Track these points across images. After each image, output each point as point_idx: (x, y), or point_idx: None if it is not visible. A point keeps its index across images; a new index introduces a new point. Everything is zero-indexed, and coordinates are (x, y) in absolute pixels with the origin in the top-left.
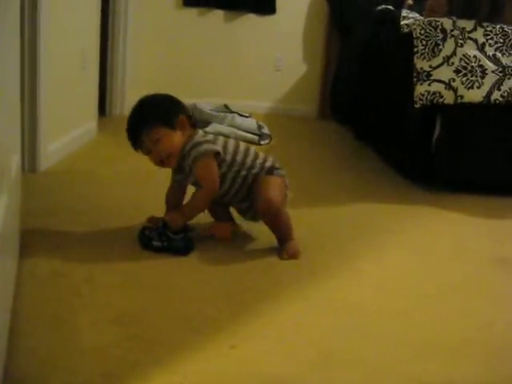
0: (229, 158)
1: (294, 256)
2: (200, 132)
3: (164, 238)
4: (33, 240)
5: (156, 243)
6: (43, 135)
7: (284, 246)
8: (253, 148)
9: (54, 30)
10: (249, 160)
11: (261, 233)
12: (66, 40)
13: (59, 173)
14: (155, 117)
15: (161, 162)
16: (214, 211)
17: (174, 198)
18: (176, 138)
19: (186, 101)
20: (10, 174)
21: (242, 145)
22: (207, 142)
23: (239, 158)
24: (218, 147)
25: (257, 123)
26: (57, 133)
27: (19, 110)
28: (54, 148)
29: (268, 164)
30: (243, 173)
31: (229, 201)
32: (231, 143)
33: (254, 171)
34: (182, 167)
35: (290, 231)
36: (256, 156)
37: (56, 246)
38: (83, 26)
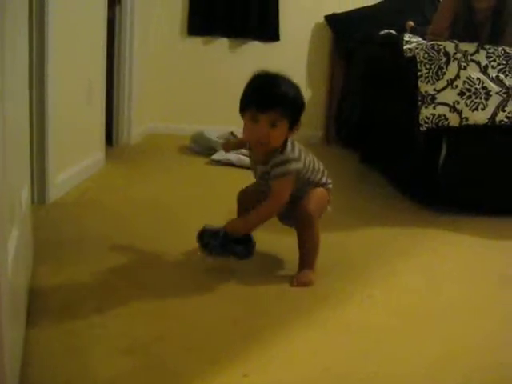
0: (303, 175)
1: (304, 284)
2: (290, 141)
3: (224, 247)
4: (43, 271)
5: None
6: (52, 167)
7: (301, 271)
8: (322, 166)
9: (61, 62)
10: (315, 177)
11: (276, 257)
12: (73, 72)
13: (68, 204)
14: (292, 110)
15: (257, 139)
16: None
17: (246, 201)
18: (283, 137)
19: (193, 128)
20: (20, 207)
21: (316, 162)
22: (295, 160)
23: (309, 174)
24: (301, 164)
25: None
26: (65, 164)
27: (28, 143)
28: (62, 179)
29: (324, 179)
30: (306, 187)
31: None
32: (309, 160)
33: (312, 185)
34: (264, 162)
35: (314, 258)
36: (322, 174)
37: (66, 278)
38: (89, 58)
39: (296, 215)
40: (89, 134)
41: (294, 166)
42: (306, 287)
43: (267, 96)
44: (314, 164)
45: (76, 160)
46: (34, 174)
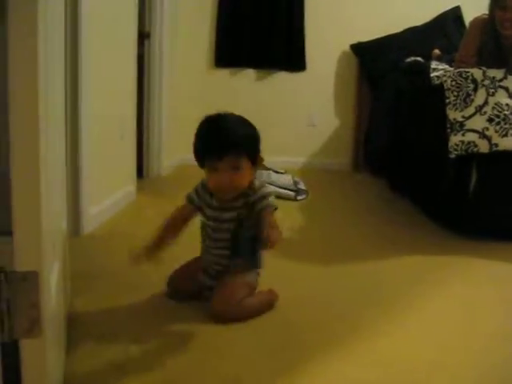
0: None
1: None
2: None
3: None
4: (80, 303)
5: None
6: (85, 200)
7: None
8: None
9: (94, 99)
10: None
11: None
12: (105, 108)
13: (101, 236)
14: (249, 147)
15: (222, 187)
16: None
17: (173, 227)
18: (250, 175)
19: None
20: (60, 241)
21: None
22: (271, 195)
23: None
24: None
25: (293, 179)
26: (98, 197)
27: (65, 178)
28: (95, 212)
29: None
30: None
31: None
32: None
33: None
34: (236, 206)
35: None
36: None
37: (104, 310)
38: (121, 93)
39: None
40: (121, 168)
41: (272, 199)
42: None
43: (218, 143)
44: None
45: (108, 193)
46: (69, 207)
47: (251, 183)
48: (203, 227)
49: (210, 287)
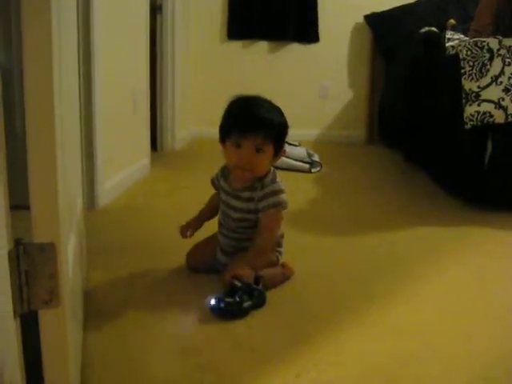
0: None
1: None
2: (273, 170)
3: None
4: (96, 276)
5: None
6: (100, 174)
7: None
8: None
9: (107, 73)
10: None
11: (314, 260)
12: (118, 82)
13: (116, 210)
14: (276, 134)
15: (241, 164)
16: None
17: (210, 207)
18: (269, 163)
19: None
20: (76, 215)
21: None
22: (283, 191)
23: None
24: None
25: (307, 151)
26: (112, 171)
27: (80, 153)
28: (110, 186)
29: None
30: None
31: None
32: None
33: None
34: (243, 197)
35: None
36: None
37: (119, 282)
38: (133, 67)
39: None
40: (134, 141)
41: (284, 197)
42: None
43: (249, 119)
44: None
45: (123, 167)
46: (84, 182)
47: (264, 176)
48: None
49: (224, 264)
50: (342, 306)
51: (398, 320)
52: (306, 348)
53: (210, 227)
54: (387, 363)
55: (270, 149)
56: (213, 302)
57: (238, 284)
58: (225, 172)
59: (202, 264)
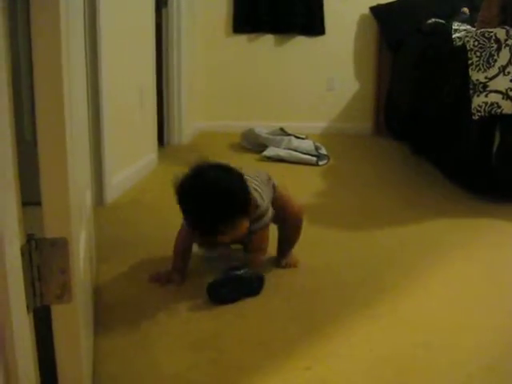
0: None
1: (294, 265)
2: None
3: (238, 290)
4: (106, 271)
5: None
6: (108, 169)
7: (286, 254)
8: (266, 176)
9: (113, 68)
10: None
11: (318, 254)
12: (125, 77)
13: (124, 205)
14: (235, 210)
15: (224, 245)
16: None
17: (183, 246)
18: (247, 224)
19: (242, 125)
20: (86, 209)
21: (266, 183)
22: (267, 209)
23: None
24: (270, 209)
25: (314, 144)
26: (120, 166)
27: (88, 148)
28: (118, 181)
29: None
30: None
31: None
32: (267, 194)
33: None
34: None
35: (295, 244)
36: (272, 188)
37: (129, 277)
38: (140, 62)
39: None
40: (142, 136)
41: (268, 216)
42: (295, 267)
43: (208, 228)
44: (267, 191)
45: (130, 162)
46: (92, 177)
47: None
48: None
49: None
50: (352, 298)
51: (408, 312)
52: (316, 340)
53: None
54: (397, 355)
55: (242, 219)
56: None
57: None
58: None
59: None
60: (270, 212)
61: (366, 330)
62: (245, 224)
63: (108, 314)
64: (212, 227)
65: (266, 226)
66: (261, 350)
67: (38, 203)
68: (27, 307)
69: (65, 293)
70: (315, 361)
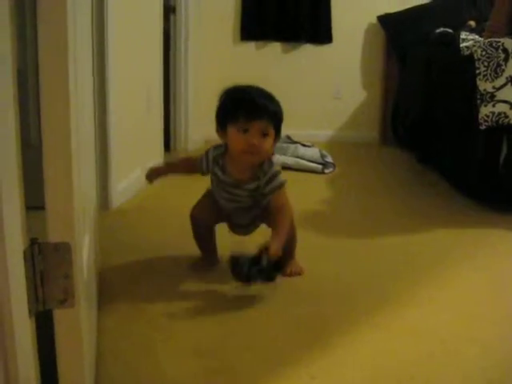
0: None
1: (299, 273)
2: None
3: (266, 274)
4: (110, 277)
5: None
6: (114, 174)
7: (288, 263)
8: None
9: (121, 73)
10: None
11: (319, 264)
12: (132, 82)
13: (130, 210)
14: (277, 120)
15: (250, 148)
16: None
17: (206, 219)
18: (272, 148)
19: None
20: (91, 214)
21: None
22: (280, 171)
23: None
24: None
25: (320, 152)
26: (126, 171)
27: (94, 153)
28: (123, 186)
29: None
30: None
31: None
32: None
33: None
34: (248, 188)
35: (295, 248)
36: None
37: (133, 282)
38: (147, 67)
39: (263, 216)
40: (148, 141)
41: (281, 177)
42: (300, 275)
43: (256, 105)
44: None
45: (136, 167)
46: (98, 182)
47: (263, 163)
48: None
49: (241, 226)
50: (357, 307)
51: (413, 322)
52: (321, 349)
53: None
54: (401, 364)
55: (272, 133)
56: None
57: (243, 256)
58: (219, 162)
59: (209, 217)
60: (282, 178)
61: (371, 338)
62: (271, 145)
63: (111, 318)
64: (261, 104)
65: (282, 185)
66: (264, 358)
67: (42, 207)
68: (29, 311)
69: (68, 298)
70: (320, 370)
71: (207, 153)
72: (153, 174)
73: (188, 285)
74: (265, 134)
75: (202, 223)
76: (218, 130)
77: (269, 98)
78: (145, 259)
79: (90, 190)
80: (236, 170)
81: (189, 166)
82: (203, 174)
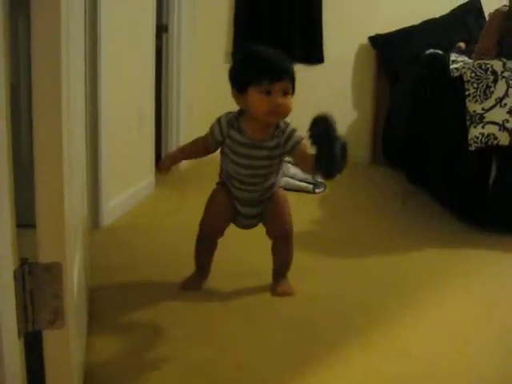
0: None
1: (288, 293)
2: None
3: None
4: (100, 295)
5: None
6: (104, 192)
7: (281, 281)
8: None
9: (113, 91)
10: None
11: (313, 280)
12: (124, 101)
13: (121, 228)
14: (294, 76)
15: (276, 109)
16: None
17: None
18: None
19: None
20: (81, 233)
21: None
22: (295, 130)
23: None
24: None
25: None
26: (117, 189)
27: (85, 171)
28: (114, 204)
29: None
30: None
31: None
32: None
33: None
34: (268, 146)
35: (289, 268)
36: None
37: (123, 301)
38: (139, 86)
39: (269, 222)
40: (139, 160)
41: (298, 133)
42: (289, 295)
43: (280, 67)
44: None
45: (127, 185)
46: (88, 200)
47: (279, 122)
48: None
49: (250, 216)
50: (348, 327)
51: (404, 342)
52: (313, 370)
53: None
54: None
55: (291, 92)
56: None
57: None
58: (235, 125)
59: (220, 224)
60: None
61: (363, 358)
62: (291, 101)
63: (102, 337)
64: (284, 66)
65: (302, 139)
66: (256, 378)
67: (33, 226)
68: (18, 332)
69: (57, 318)
70: None
71: (219, 120)
72: (168, 164)
73: (179, 304)
74: (285, 93)
75: (210, 235)
76: (234, 94)
77: (285, 57)
78: (135, 277)
79: (81, 208)
80: (254, 130)
81: (200, 144)
82: (214, 148)
